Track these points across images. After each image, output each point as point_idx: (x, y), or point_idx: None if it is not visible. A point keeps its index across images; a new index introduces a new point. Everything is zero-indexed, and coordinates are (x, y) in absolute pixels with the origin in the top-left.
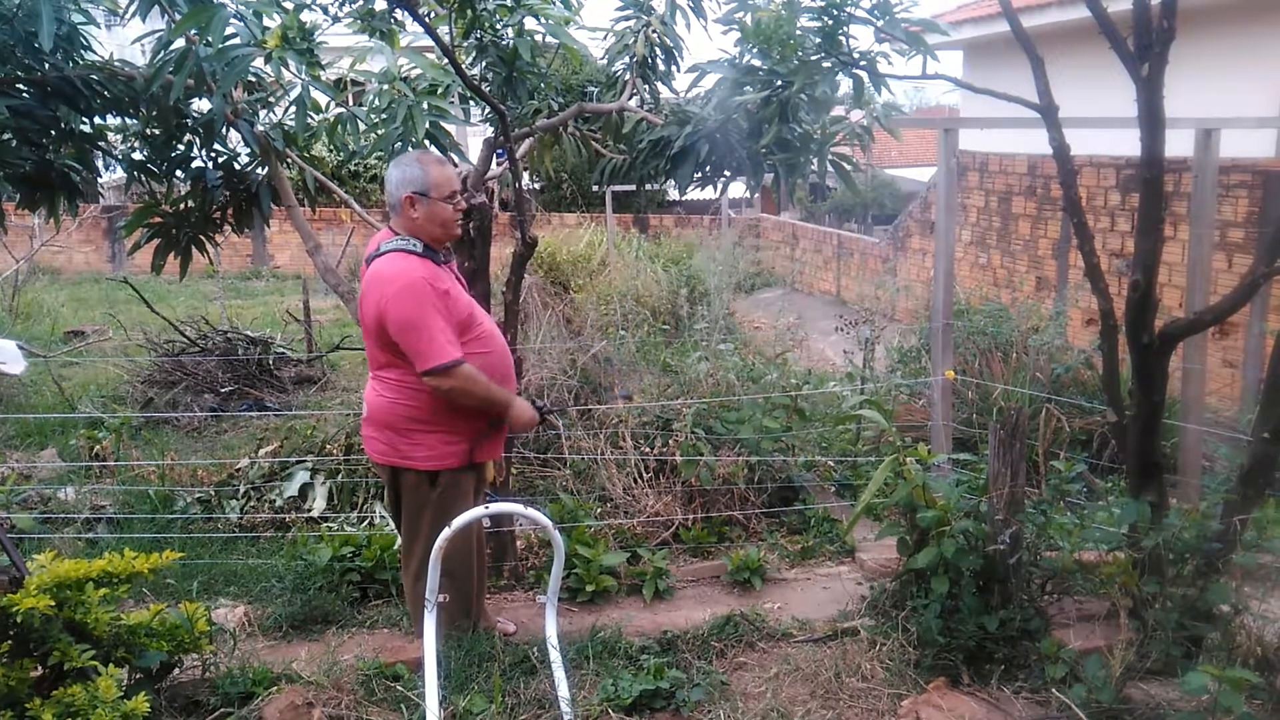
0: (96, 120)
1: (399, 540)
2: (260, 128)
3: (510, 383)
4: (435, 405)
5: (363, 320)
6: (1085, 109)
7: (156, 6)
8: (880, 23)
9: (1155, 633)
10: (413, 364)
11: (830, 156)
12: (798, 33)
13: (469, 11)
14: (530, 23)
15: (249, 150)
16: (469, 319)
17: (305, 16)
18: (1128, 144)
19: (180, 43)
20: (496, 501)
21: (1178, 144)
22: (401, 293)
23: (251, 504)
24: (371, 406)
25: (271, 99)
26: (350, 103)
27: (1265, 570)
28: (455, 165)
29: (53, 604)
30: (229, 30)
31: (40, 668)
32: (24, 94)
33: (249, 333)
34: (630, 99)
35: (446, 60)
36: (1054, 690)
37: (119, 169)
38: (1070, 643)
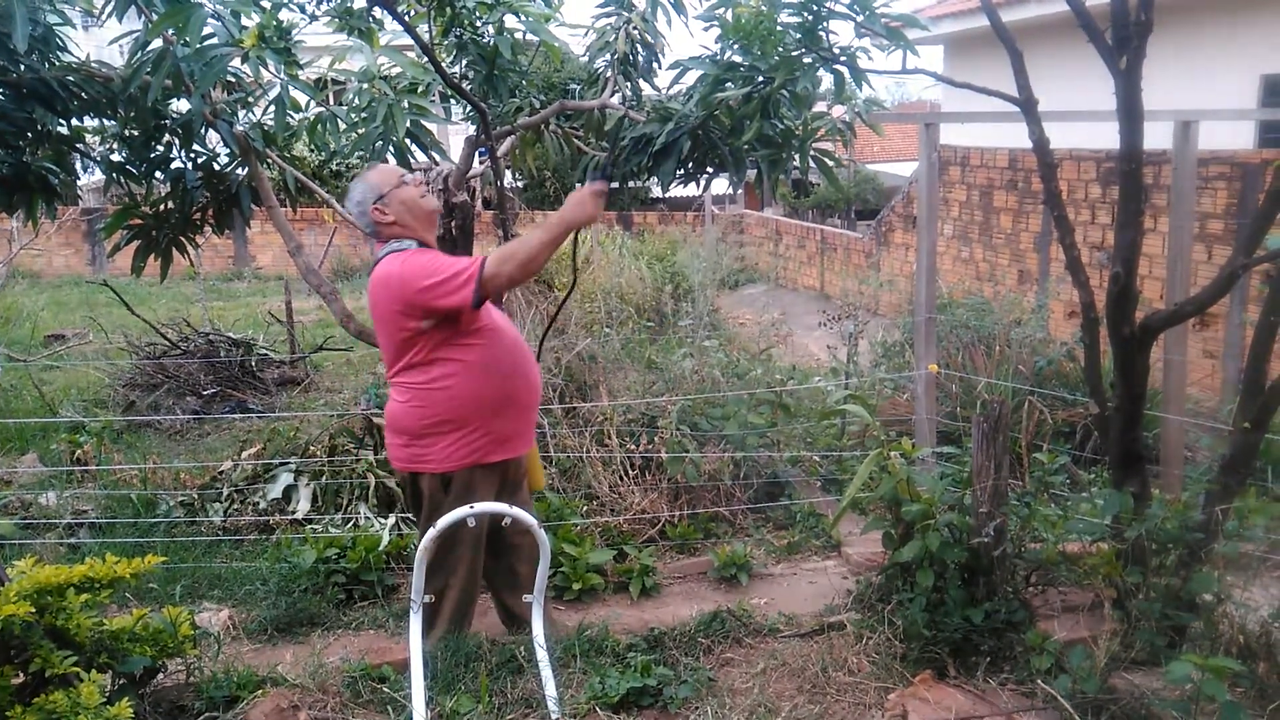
0: (74, 122)
1: (384, 541)
2: (240, 128)
3: (524, 375)
4: (447, 405)
5: (376, 321)
6: (1065, 102)
7: (133, 6)
8: (860, 18)
9: (1139, 623)
10: (463, 318)
11: (812, 152)
12: (778, 28)
13: (448, 9)
14: (510, 20)
15: (228, 150)
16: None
17: (283, 15)
18: (1108, 137)
19: (158, 43)
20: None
21: (1157, 136)
22: (408, 262)
23: (235, 507)
24: (389, 415)
25: (250, 99)
26: (330, 102)
27: (1247, 559)
28: (437, 162)
29: (33, 610)
30: (206, 30)
31: (21, 675)
32: None
33: (231, 334)
34: (612, 96)
35: (426, 58)
36: (1039, 681)
37: (97, 171)
38: (1055, 634)
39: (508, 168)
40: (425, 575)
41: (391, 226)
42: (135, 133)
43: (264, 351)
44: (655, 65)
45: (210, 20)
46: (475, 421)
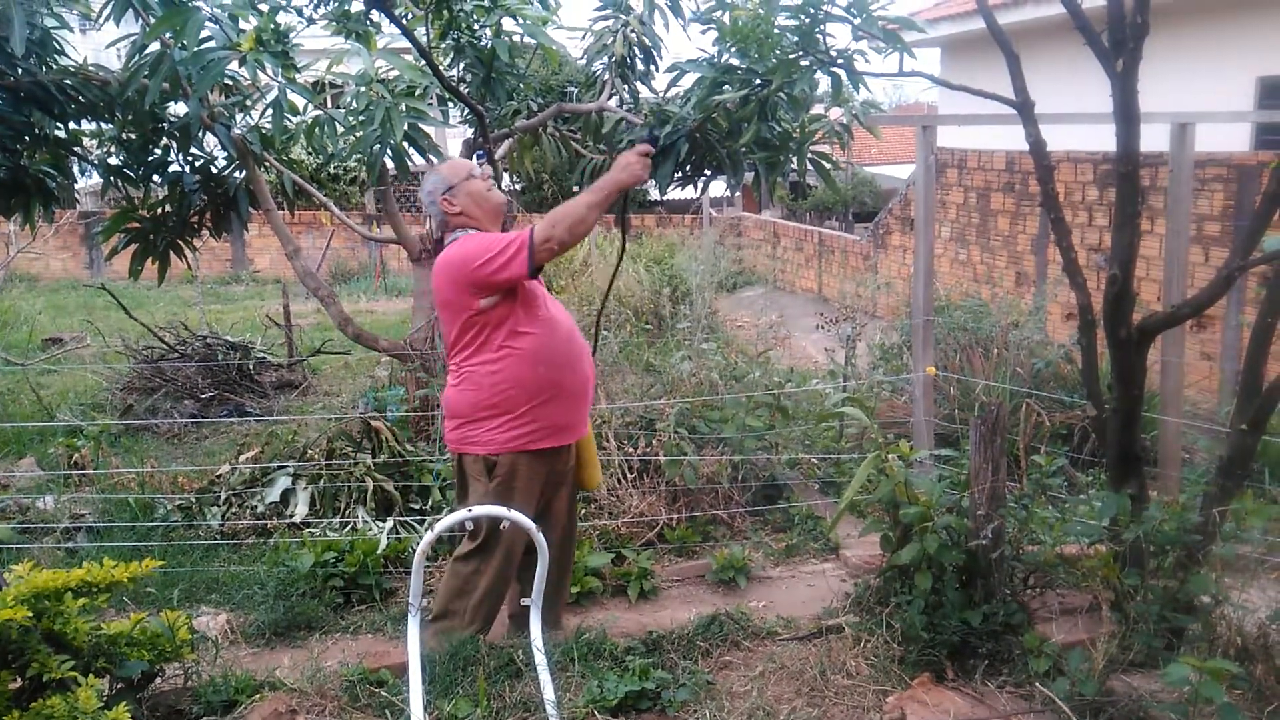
0: (71, 125)
1: (382, 544)
2: (237, 131)
3: (574, 367)
4: (494, 390)
5: (440, 307)
6: (1062, 105)
7: (131, 10)
8: (857, 20)
9: (1137, 625)
10: (523, 298)
11: (810, 155)
12: (775, 31)
13: (446, 12)
14: (508, 23)
15: (226, 154)
16: (532, 296)
17: (280, 18)
18: (1105, 139)
19: (155, 46)
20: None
21: (1153, 139)
22: (464, 245)
23: (233, 511)
24: (444, 399)
25: (248, 102)
26: (328, 105)
27: (1245, 561)
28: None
29: (31, 615)
30: (204, 33)
31: (19, 679)
32: None
33: (229, 338)
34: (609, 99)
35: (424, 62)
36: (1037, 684)
37: (95, 174)
38: (1053, 636)
39: (505, 171)
40: (461, 562)
41: (459, 217)
42: (133, 136)
43: (262, 355)
44: (652, 68)
45: (208, 23)
46: (522, 408)
